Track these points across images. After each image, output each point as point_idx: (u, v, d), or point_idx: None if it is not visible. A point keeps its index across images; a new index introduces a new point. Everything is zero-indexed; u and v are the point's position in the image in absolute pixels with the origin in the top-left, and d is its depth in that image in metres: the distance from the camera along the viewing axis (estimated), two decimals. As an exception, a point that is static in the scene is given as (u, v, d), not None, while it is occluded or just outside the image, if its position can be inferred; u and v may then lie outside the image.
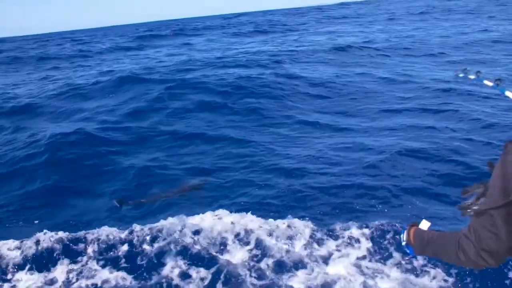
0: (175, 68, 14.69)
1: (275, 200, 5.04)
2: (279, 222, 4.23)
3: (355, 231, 3.92)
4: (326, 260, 3.59)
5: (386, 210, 4.57)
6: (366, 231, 3.91)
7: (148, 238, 4.10)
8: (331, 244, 3.77)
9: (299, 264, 3.59)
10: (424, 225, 1.82)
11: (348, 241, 3.84)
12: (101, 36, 48.00)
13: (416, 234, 1.78)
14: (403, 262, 3.57)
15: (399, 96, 9.64)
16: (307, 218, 4.30)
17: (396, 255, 3.63)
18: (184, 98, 10.30)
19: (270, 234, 4.02)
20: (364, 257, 3.59)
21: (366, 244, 3.73)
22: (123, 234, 4.20)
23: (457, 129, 7.07)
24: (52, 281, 3.69)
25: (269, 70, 13.28)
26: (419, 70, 12.44)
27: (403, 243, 1.86)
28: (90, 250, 4.02)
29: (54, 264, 3.94)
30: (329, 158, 6.23)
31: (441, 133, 6.94)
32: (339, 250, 3.68)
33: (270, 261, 3.63)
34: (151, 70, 14.55)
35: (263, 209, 4.68)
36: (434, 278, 3.35)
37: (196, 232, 4.17)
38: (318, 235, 3.95)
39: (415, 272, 3.43)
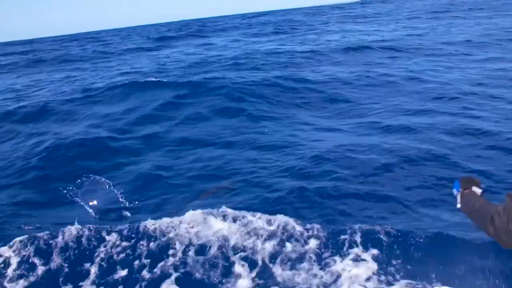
0: (193, 71, 14.70)
1: (284, 206, 4.90)
2: (285, 236, 4.10)
3: (362, 249, 3.75)
4: (332, 284, 3.46)
5: (396, 222, 4.38)
6: (375, 251, 3.72)
7: (147, 261, 4.00)
8: (338, 264, 3.62)
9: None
10: (477, 190, 1.95)
11: (355, 259, 3.67)
12: (124, 36, 48.77)
13: (466, 197, 1.95)
14: (413, 283, 3.39)
15: (418, 98, 9.35)
16: (314, 230, 4.13)
17: (406, 278, 3.45)
18: (198, 102, 10.25)
19: (276, 254, 3.89)
20: (370, 279, 3.43)
21: (373, 265, 3.56)
22: (122, 255, 4.15)
23: (479, 135, 6.76)
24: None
25: (286, 72, 13.15)
26: (441, 70, 12.06)
27: (458, 206, 2.05)
28: (92, 270, 3.99)
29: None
30: (344, 162, 6.04)
31: (460, 139, 6.66)
32: (345, 271, 3.52)
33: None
34: (168, 73, 14.63)
35: (272, 217, 4.55)
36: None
37: (200, 251, 4.06)
38: (325, 254, 3.80)
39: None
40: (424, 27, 23.42)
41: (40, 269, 3.99)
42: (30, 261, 4.08)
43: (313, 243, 3.94)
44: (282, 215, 4.47)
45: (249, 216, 4.46)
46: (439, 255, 3.69)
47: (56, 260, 4.09)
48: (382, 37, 19.89)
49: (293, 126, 8.27)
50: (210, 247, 4.07)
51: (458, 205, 2.01)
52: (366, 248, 3.78)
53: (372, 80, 11.54)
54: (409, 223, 4.36)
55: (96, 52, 28.63)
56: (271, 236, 4.14)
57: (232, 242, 4.10)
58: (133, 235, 4.35)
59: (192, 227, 4.33)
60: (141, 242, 4.24)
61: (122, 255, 4.11)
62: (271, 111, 9.46)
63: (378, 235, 3.95)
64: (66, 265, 4.04)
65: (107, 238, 4.34)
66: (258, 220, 4.38)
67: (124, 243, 4.25)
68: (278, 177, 5.84)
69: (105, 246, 4.24)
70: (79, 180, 6.05)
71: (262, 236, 4.14)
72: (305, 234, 4.10)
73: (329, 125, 8.13)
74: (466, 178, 2.05)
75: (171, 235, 4.28)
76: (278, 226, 4.26)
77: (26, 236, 4.41)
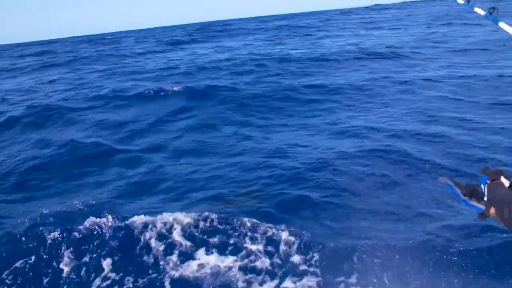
0: (203, 77, 14.64)
1: (284, 220, 4.77)
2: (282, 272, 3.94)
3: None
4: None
5: (400, 239, 4.18)
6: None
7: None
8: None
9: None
10: (505, 181, 1.78)
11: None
12: (140, 38, 49.13)
13: (492, 187, 1.80)
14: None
15: (428, 107, 9.12)
16: (312, 262, 3.96)
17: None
18: (204, 112, 10.17)
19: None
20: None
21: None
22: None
23: (490, 150, 6.50)
24: None
25: (295, 80, 13.03)
26: (453, 78, 11.71)
27: (485, 198, 1.85)
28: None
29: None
30: (348, 174, 5.93)
31: (472, 152, 6.39)
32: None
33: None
34: (178, 79, 14.57)
35: (272, 235, 4.39)
36: None
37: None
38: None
39: None
40: (438, 33, 22.98)
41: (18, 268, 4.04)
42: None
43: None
44: (281, 234, 4.31)
45: (248, 243, 4.28)
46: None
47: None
48: (396, 44, 19.52)
49: (299, 134, 8.12)
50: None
51: (485, 198, 1.87)
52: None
53: (382, 87, 11.30)
54: (412, 239, 4.23)
55: (110, 55, 28.77)
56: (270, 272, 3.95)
57: (227, 278, 3.94)
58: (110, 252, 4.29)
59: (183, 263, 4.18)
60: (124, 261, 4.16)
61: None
62: (278, 119, 9.31)
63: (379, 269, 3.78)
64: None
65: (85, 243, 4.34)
66: (256, 246, 4.20)
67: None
68: (281, 188, 5.69)
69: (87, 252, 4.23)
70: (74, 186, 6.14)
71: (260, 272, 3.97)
72: (303, 266, 3.91)
73: (336, 132, 7.95)
74: (493, 170, 1.89)
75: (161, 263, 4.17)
76: (276, 256, 4.08)
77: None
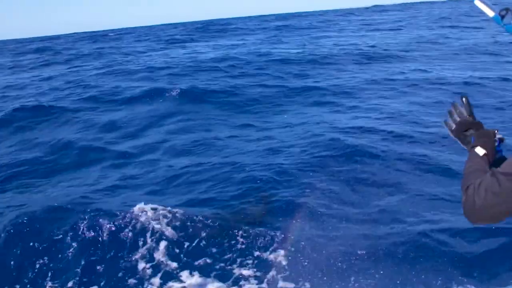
0: (199, 78, 14.52)
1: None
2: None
3: None
4: None
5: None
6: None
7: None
8: None
9: None
10: (479, 151, 1.71)
11: None
12: (141, 35, 49.17)
13: (469, 156, 1.75)
14: None
15: (426, 106, 9.08)
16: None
17: None
18: (199, 112, 10.07)
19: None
20: None
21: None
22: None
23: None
24: None
25: (294, 81, 12.95)
26: (449, 79, 11.60)
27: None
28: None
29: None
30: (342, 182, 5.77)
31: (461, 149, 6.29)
32: None
33: None
34: (174, 80, 14.46)
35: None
36: None
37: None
38: None
39: None
40: (439, 35, 22.86)
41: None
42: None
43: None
44: (271, 255, 4.13)
45: (235, 264, 4.08)
46: None
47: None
48: (397, 45, 19.42)
49: (294, 137, 7.99)
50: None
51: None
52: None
53: (383, 90, 11.20)
54: (409, 244, 4.16)
55: (110, 53, 28.63)
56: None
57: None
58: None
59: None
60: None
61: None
62: (275, 121, 9.21)
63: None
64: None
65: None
66: (244, 268, 4.01)
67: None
68: (273, 194, 5.55)
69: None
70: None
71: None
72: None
73: (333, 133, 7.82)
74: (483, 132, 1.77)
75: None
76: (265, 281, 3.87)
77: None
